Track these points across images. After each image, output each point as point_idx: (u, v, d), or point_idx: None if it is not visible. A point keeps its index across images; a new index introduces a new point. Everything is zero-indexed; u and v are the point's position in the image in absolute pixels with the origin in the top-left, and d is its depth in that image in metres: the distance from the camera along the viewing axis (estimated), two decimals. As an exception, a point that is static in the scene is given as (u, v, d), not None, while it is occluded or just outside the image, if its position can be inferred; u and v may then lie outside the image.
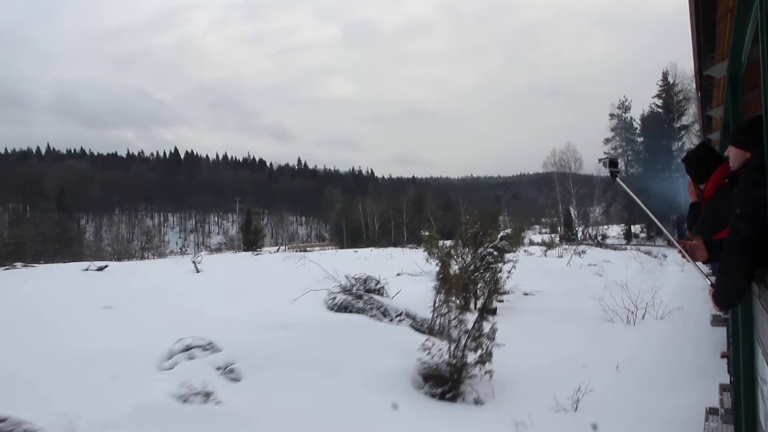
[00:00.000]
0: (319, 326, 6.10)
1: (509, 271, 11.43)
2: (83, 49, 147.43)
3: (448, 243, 11.09)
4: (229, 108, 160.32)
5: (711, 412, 3.74)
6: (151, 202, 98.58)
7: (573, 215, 51.60)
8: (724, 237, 1.90)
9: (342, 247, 51.21)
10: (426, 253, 7.69)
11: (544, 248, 24.51)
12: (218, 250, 55.27)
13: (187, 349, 5.36)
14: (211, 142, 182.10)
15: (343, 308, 6.88)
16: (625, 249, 31.23)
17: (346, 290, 7.19)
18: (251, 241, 30.57)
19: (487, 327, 5.27)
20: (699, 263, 2.60)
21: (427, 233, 7.46)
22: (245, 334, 5.82)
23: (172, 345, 5.39)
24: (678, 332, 7.44)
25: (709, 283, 2.34)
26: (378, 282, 8.24)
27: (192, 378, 4.62)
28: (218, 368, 5.08)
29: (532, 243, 35.73)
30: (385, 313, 6.70)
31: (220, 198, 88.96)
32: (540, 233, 50.97)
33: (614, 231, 48.27)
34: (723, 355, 5.26)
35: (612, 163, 3.11)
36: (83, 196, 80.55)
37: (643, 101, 70.20)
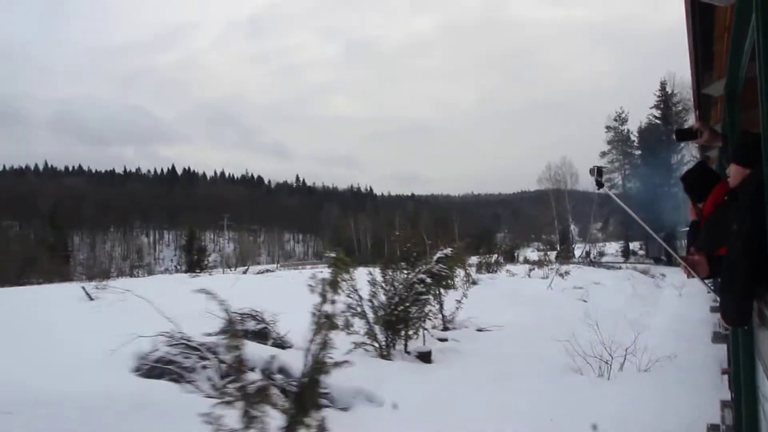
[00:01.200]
0: (74, 410, 3.64)
1: (459, 302, 9.56)
2: (85, 67, 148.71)
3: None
4: (230, 125, 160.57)
5: (712, 428, 3.64)
6: (147, 219, 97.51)
7: (573, 231, 49.75)
8: (724, 253, 1.91)
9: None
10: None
11: (529, 267, 22.55)
12: (213, 267, 53.89)
13: None
14: (210, 160, 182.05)
15: (159, 369, 4.68)
16: (620, 268, 29.15)
17: (177, 341, 5.06)
18: (194, 262, 28.58)
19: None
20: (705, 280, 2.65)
21: (333, 254, 5.39)
22: None
23: None
24: (667, 399, 5.18)
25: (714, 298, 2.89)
26: (262, 320, 6.38)
27: None
28: None
29: (527, 261, 34.06)
30: (223, 376, 4.69)
31: (217, 215, 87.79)
32: (538, 251, 49.05)
33: (613, 248, 46.20)
34: (724, 372, 5.11)
35: (599, 172, 3.09)
36: (77, 213, 79.40)
37: (641, 114, 68.43)
